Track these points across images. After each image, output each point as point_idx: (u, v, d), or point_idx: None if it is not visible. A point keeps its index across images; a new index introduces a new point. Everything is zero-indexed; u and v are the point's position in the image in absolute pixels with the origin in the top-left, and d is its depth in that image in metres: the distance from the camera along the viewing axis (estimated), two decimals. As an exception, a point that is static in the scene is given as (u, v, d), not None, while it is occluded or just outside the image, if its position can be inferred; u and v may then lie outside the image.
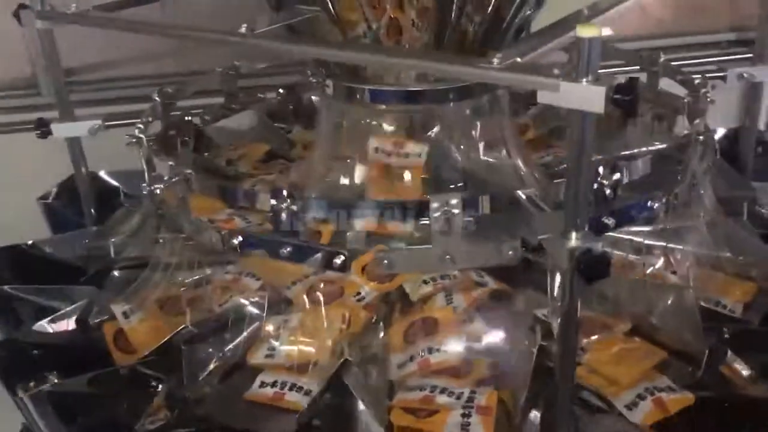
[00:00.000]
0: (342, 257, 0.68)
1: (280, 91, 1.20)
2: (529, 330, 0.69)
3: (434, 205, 0.65)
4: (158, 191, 0.86)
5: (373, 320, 0.76)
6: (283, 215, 0.70)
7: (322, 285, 0.78)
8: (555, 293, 0.64)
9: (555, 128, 1.08)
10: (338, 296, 0.77)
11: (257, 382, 0.72)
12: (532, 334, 0.69)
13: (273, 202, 0.70)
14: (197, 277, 0.85)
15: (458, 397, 0.65)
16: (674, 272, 0.76)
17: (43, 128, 0.95)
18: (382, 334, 0.74)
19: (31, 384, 0.71)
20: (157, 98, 1.00)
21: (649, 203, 0.72)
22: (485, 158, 0.87)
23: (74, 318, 0.83)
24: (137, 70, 1.34)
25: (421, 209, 0.67)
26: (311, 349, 0.73)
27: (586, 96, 0.50)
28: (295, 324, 0.75)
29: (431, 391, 0.66)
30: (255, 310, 0.78)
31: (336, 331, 0.74)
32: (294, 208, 0.70)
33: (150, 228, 0.93)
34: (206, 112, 1.11)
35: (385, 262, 0.67)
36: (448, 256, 0.67)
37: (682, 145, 0.79)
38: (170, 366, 0.75)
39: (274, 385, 0.71)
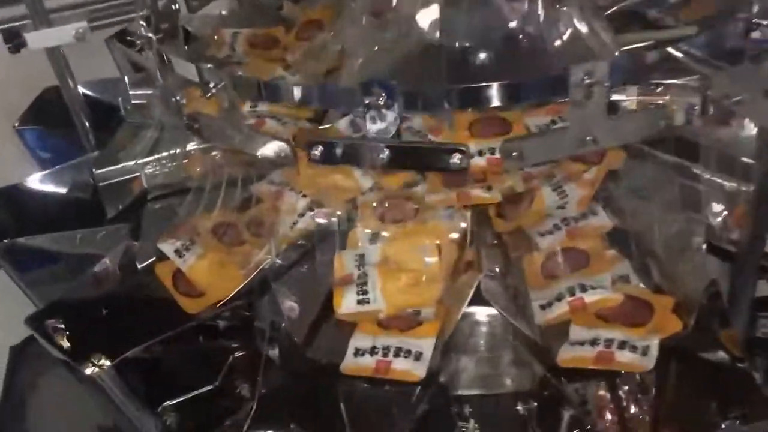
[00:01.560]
0: (459, 155, 0.56)
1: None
2: (683, 208, 0.59)
3: (575, 76, 0.53)
4: (184, 100, 0.72)
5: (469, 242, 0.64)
6: (382, 113, 0.56)
7: (386, 204, 0.67)
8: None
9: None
10: (412, 216, 0.66)
11: (350, 349, 0.59)
12: (682, 210, 0.59)
13: (365, 99, 0.56)
14: (246, 196, 0.73)
15: (644, 353, 0.54)
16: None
17: (15, 39, 0.77)
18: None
19: (103, 355, 0.59)
20: (139, -16, 0.82)
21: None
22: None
23: (117, 265, 0.70)
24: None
25: (556, 85, 0.55)
26: (412, 296, 0.61)
27: None
28: (378, 258, 0.63)
29: (606, 345, 0.55)
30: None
31: (433, 266, 0.62)
32: (390, 101, 0.56)
33: (172, 144, 0.79)
34: (191, -7, 0.94)
35: (514, 154, 0.56)
36: (589, 137, 0.55)
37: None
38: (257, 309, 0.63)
39: (373, 352, 0.59)
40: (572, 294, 0.58)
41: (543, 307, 0.59)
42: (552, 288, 0.59)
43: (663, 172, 0.61)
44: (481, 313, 0.64)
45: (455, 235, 0.64)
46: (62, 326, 0.63)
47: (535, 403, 0.63)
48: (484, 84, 0.56)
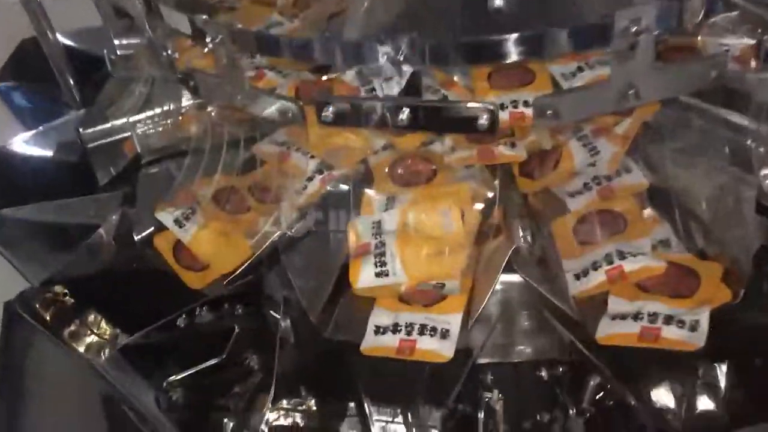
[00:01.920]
0: (487, 114, 0.51)
1: None
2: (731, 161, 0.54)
3: (619, 23, 0.47)
4: (176, 54, 0.66)
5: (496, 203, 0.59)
6: (401, 69, 0.50)
7: (407, 163, 0.61)
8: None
9: None
10: (431, 177, 0.61)
11: (370, 327, 0.55)
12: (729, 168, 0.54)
13: (382, 52, 0.50)
14: (248, 158, 0.67)
15: (692, 328, 0.49)
16: None
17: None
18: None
19: (99, 338, 0.55)
20: None
21: None
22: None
23: (112, 236, 0.65)
24: None
25: (597, 34, 0.49)
26: (434, 267, 0.56)
27: None
28: (395, 225, 0.58)
29: (651, 321, 0.50)
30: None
31: (456, 233, 0.56)
32: (409, 55, 0.51)
33: (164, 100, 0.72)
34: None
35: (549, 112, 0.50)
36: (632, 90, 0.50)
37: None
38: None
39: (396, 330, 0.55)
40: (610, 262, 0.53)
41: (577, 277, 0.54)
42: (587, 255, 0.55)
43: (707, 125, 0.55)
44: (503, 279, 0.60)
45: (478, 198, 0.59)
46: (56, 307, 0.58)
47: (561, 369, 0.60)
48: (512, 35, 0.50)
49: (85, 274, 0.63)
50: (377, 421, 0.57)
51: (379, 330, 0.55)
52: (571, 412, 0.58)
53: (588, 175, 0.59)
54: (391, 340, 0.54)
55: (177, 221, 0.63)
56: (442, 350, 0.53)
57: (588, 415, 0.58)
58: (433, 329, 0.54)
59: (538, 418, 0.61)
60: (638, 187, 0.58)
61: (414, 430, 0.57)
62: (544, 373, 0.61)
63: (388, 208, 0.59)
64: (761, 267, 0.51)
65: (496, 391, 0.59)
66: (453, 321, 0.54)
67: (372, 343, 0.54)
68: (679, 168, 0.55)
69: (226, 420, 0.65)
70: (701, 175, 0.55)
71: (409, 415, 0.57)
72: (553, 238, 0.57)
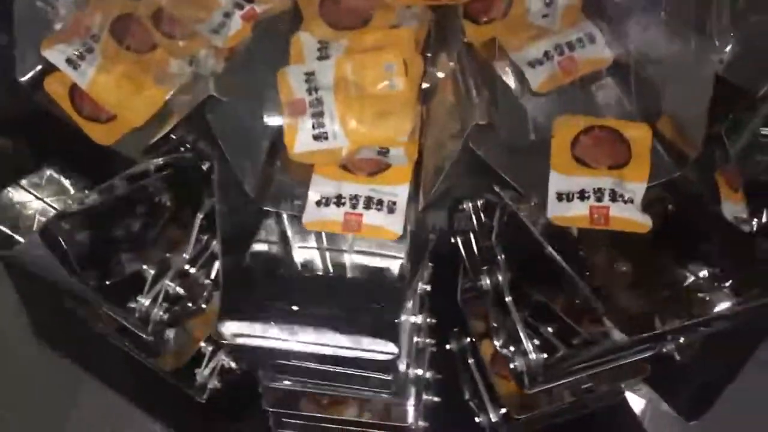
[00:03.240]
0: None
1: None
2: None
3: None
4: None
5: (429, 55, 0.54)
6: None
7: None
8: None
9: None
10: (367, 19, 0.54)
11: (310, 199, 0.51)
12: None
13: None
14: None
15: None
16: None
17: None
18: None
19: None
20: None
21: None
22: None
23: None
24: None
25: None
26: (379, 129, 0.51)
27: None
28: (332, 78, 0.51)
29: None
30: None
31: (402, 89, 0.51)
32: None
33: None
34: None
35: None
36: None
37: None
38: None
39: (340, 202, 0.51)
40: (599, 199, 0.50)
41: (560, 198, 0.51)
42: (578, 179, 0.51)
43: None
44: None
45: (420, 45, 0.53)
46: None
47: (480, 202, 0.61)
48: None
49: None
50: (300, 248, 0.56)
51: (321, 202, 0.51)
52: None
53: (550, 42, 0.55)
54: (335, 214, 0.51)
55: (70, 61, 0.53)
56: (390, 226, 0.51)
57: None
58: (380, 202, 0.51)
59: (458, 239, 0.63)
60: (601, 62, 0.54)
61: (329, 254, 0.56)
62: (465, 206, 0.62)
63: (321, 56, 0.53)
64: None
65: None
66: (400, 193, 0.51)
67: (315, 217, 0.51)
68: (643, 34, 0.52)
69: (145, 266, 0.61)
70: (664, 39, 0.51)
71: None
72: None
